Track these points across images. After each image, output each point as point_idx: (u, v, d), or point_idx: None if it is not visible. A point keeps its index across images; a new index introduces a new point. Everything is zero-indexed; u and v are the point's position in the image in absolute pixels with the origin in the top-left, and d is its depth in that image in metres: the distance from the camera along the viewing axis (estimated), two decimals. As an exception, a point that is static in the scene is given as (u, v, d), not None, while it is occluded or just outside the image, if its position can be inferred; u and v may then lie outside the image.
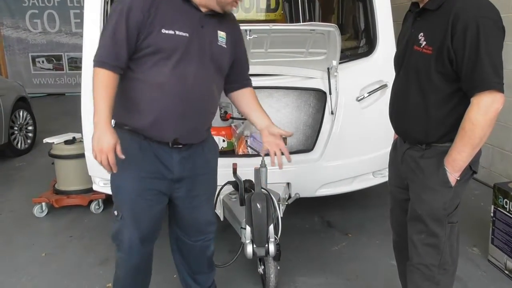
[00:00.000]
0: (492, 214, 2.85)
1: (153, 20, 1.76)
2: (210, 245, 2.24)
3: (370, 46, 3.29)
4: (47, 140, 3.82)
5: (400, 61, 1.86)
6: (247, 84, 2.17)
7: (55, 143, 3.78)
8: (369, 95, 3.07)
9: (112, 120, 1.81)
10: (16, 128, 5.48)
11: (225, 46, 1.94)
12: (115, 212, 1.97)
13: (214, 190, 2.22)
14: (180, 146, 1.91)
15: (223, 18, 1.94)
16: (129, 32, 1.75)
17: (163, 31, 1.77)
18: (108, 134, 1.73)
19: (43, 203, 3.74)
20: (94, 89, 1.76)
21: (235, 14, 2.11)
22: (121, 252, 2.04)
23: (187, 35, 1.80)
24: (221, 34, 1.93)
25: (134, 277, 2.11)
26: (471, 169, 1.75)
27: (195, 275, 2.29)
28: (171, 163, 1.92)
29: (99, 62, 1.77)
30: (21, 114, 5.59)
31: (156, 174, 1.91)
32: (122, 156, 1.75)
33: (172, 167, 1.93)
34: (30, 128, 5.81)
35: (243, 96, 2.14)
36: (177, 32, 1.79)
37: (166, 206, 2.05)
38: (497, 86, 1.56)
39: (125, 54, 1.77)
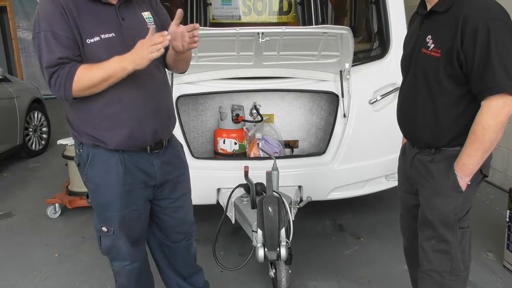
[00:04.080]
0: (507, 219, 2.80)
1: (78, 31, 1.67)
2: (193, 243, 2.25)
3: (383, 48, 3.27)
4: (61, 141, 3.86)
5: (407, 64, 1.83)
6: None
7: (68, 144, 3.81)
8: (382, 98, 3.05)
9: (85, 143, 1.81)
10: (30, 129, 5.57)
11: (154, 25, 1.85)
12: (104, 229, 1.92)
13: (191, 189, 2.18)
14: (158, 151, 1.91)
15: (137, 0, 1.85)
16: (67, 51, 1.65)
17: (88, 41, 1.68)
18: (132, 53, 1.63)
19: (57, 204, 3.79)
20: (98, 77, 1.64)
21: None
22: (119, 261, 2.03)
23: (113, 34, 1.72)
24: (146, 15, 1.86)
25: (137, 280, 2.12)
26: (481, 173, 1.73)
27: (188, 278, 2.29)
28: (153, 170, 1.91)
29: (56, 63, 1.63)
30: (35, 115, 5.67)
31: (140, 184, 1.90)
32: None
33: (154, 173, 1.92)
34: (44, 129, 5.90)
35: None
36: (103, 36, 1.70)
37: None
38: (508, 89, 1.53)
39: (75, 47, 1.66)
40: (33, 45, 1.71)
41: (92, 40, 1.68)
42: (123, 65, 1.63)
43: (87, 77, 1.65)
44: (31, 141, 5.57)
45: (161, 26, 1.91)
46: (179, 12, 1.72)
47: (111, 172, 1.83)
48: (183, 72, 2.16)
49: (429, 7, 1.73)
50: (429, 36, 1.69)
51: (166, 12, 2.02)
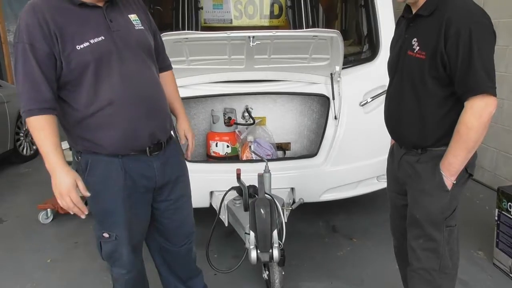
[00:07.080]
0: (496, 218, 2.84)
1: (63, 43, 1.64)
2: (193, 247, 2.25)
3: (373, 51, 3.30)
4: (52, 146, 3.83)
5: (394, 67, 1.87)
6: (168, 67, 2.11)
7: (60, 149, 3.79)
8: (372, 100, 3.08)
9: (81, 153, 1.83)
10: (21, 135, 5.52)
11: (142, 27, 1.85)
12: (106, 235, 1.91)
13: (191, 192, 2.18)
14: (157, 152, 1.90)
15: (122, 1, 1.84)
16: (42, 68, 1.63)
17: (78, 47, 1.65)
18: (63, 174, 1.65)
19: (48, 209, 3.76)
20: (35, 140, 1.68)
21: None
22: (119, 267, 2.02)
23: (102, 38, 1.70)
24: (133, 17, 1.85)
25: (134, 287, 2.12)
26: (467, 172, 1.76)
27: (187, 282, 2.29)
28: (153, 173, 1.90)
29: (26, 112, 1.67)
30: (26, 120, 5.62)
31: (140, 189, 1.89)
32: (87, 194, 1.72)
33: (154, 176, 1.91)
34: (35, 134, 5.85)
35: (165, 83, 2.03)
36: (92, 41, 1.67)
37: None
38: (490, 89, 1.58)
39: (48, 91, 1.66)
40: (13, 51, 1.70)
41: (81, 46, 1.66)
42: (48, 161, 1.67)
43: (36, 132, 1.68)
44: (22, 146, 5.53)
45: (150, 28, 1.92)
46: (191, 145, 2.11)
47: (111, 178, 1.82)
48: None
49: (414, 11, 1.76)
50: (415, 39, 1.72)
51: (149, 15, 1.99)
